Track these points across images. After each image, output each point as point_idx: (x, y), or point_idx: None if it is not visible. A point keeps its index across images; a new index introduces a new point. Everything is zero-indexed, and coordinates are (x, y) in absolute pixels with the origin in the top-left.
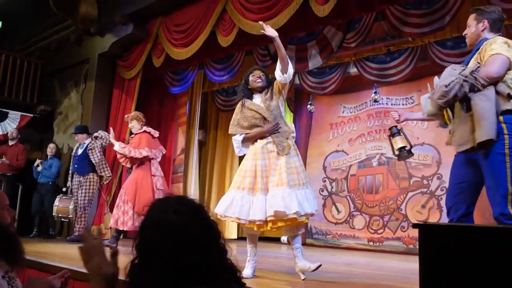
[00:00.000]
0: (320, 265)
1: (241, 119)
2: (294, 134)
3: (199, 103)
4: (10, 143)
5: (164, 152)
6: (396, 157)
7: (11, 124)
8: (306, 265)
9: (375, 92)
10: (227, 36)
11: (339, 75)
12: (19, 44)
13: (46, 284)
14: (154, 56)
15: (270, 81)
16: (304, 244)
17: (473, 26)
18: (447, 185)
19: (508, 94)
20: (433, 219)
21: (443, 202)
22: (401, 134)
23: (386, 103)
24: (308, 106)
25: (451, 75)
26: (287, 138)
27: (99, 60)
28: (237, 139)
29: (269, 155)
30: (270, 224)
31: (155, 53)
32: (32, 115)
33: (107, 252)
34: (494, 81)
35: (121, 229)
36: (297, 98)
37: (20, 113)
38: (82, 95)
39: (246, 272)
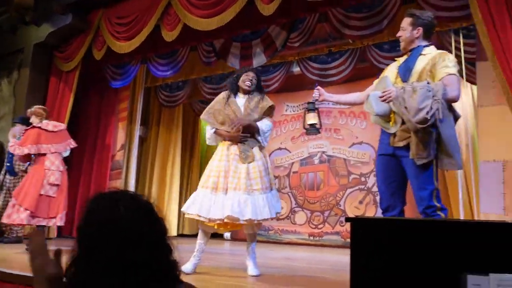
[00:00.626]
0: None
1: (217, 111)
2: (265, 144)
3: (141, 98)
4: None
5: (72, 146)
6: (304, 129)
7: None
8: (249, 270)
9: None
10: (172, 31)
11: (282, 74)
12: None
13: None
14: (95, 49)
15: (259, 87)
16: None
17: (408, 31)
18: None
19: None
20: (369, 214)
21: (379, 198)
22: (315, 111)
23: (328, 103)
24: None
25: (425, 97)
26: (252, 148)
27: (34, 50)
28: (209, 131)
29: (232, 157)
30: (229, 226)
31: (96, 45)
32: None
33: (51, 252)
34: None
35: (5, 221)
36: None
37: None
38: (15, 87)
39: (187, 266)
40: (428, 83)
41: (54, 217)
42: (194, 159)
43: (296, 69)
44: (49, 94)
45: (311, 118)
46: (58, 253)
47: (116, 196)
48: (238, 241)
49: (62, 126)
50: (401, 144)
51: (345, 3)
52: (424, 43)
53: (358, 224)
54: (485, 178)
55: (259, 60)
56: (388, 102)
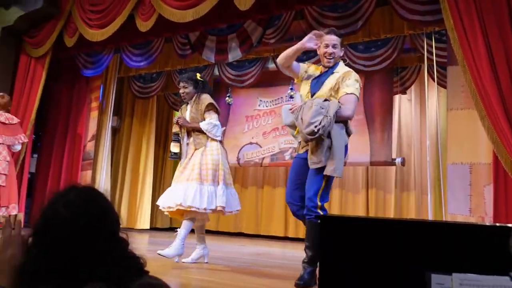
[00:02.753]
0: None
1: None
2: (218, 138)
3: (113, 88)
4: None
5: (23, 140)
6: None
7: None
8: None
9: (291, 89)
10: (146, 21)
11: (257, 69)
12: None
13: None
14: (66, 36)
15: (198, 90)
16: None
17: (339, 49)
18: None
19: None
20: (334, 212)
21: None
22: (178, 142)
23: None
24: (227, 98)
25: (318, 113)
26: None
27: (2, 35)
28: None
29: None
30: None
31: (67, 32)
32: None
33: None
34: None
35: None
36: (215, 90)
37: None
38: None
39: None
40: (325, 100)
41: (6, 206)
42: (168, 152)
43: (272, 66)
44: (17, 80)
45: (174, 147)
46: (26, 243)
47: (65, 192)
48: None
49: (15, 120)
50: (302, 150)
51: (320, 2)
52: (341, 61)
53: (326, 222)
54: (453, 180)
55: (234, 54)
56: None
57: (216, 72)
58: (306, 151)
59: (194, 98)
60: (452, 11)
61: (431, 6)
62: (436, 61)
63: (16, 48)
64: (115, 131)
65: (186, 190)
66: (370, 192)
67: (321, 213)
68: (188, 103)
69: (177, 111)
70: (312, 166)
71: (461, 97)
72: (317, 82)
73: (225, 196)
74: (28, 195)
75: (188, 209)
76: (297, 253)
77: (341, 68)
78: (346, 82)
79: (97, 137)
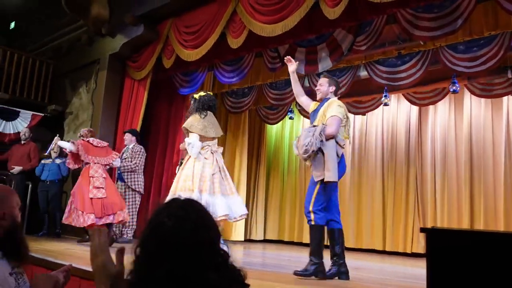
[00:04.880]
0: None
1: None
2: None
3: None
4: (23, 142)
5: (115, 158)
6: None
7: (22, 123)
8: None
9: (385, 96)
10: (237, 38)
11: (349, 78)
12: (31, 44)
13: (51, 279)
14: (164, 57)
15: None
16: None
17: (325, 87)
18: None
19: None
20: None
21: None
22: None
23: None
24: None
25: (307, 136)
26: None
27: (109, 61)
28: None
29: None
30: None
31: (165, 54)
32: (43, 115)
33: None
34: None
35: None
36: None
37: (31, 112)
38: (93, 95)
39: None
40: (313, 126)
41: (113, 213)
42: (261, 165)
43: (363, 73)
44: (123, 101)
45: None
46: (121, 251)
47: (166, 204)
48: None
49: (104, 143)
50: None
51: (414, 3)
52: (333, 96)
53: (434, 235)
54: None
55: (324, 64)
56: None
57: (306, 83)
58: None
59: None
60: None
61: None
62: None
63: (122, 72)
64: None
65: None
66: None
67: (312, 216)
68: None
69: (269, 124)
70: (316, 178)
71: None
72: (313, 114)
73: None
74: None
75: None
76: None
77: (330, 100)
78: (329, 109)
79: None
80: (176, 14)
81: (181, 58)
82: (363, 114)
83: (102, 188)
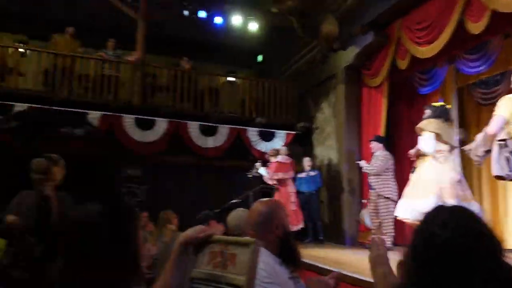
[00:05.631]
0: None
1: None
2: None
3: (454, 100)
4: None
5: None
6: None
7: (279, 142)
8: None
9: None
10: (478, 22)
11: None
12: (276, 71)
13: (323, 284)
14: (398, 59)
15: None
16: None
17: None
18: None
19: None
20: None
21: None
22: None
23: None
24: None
25: None
26: None
27: (345, 74)
28: None
29: None
30: None
31: (398, 55)
32: (295, 132)
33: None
34: None
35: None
36: None
37: (285, 131)
38: (334, 108)
39: None
40: None
41: (297, 224)
42: None
43: None
44: (363, 110)
45: None
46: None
47: (433, 212)
48: None
49: (289, 159)
50: None
51: None
52: None
53: None
54: None
55: None
56: None
57: None
58: None
59: None
60: None
61: None
62: None
63: (358, 82)
64: (462, 144)
65: None
66: None
67: None
68: None
69: None
70: None
71: None
72: None
73: None
74: None
75: None
76: None
77: None
78: None
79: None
80: (403, 14)
81: (416, 57)
82: None
83: (294, 202)
